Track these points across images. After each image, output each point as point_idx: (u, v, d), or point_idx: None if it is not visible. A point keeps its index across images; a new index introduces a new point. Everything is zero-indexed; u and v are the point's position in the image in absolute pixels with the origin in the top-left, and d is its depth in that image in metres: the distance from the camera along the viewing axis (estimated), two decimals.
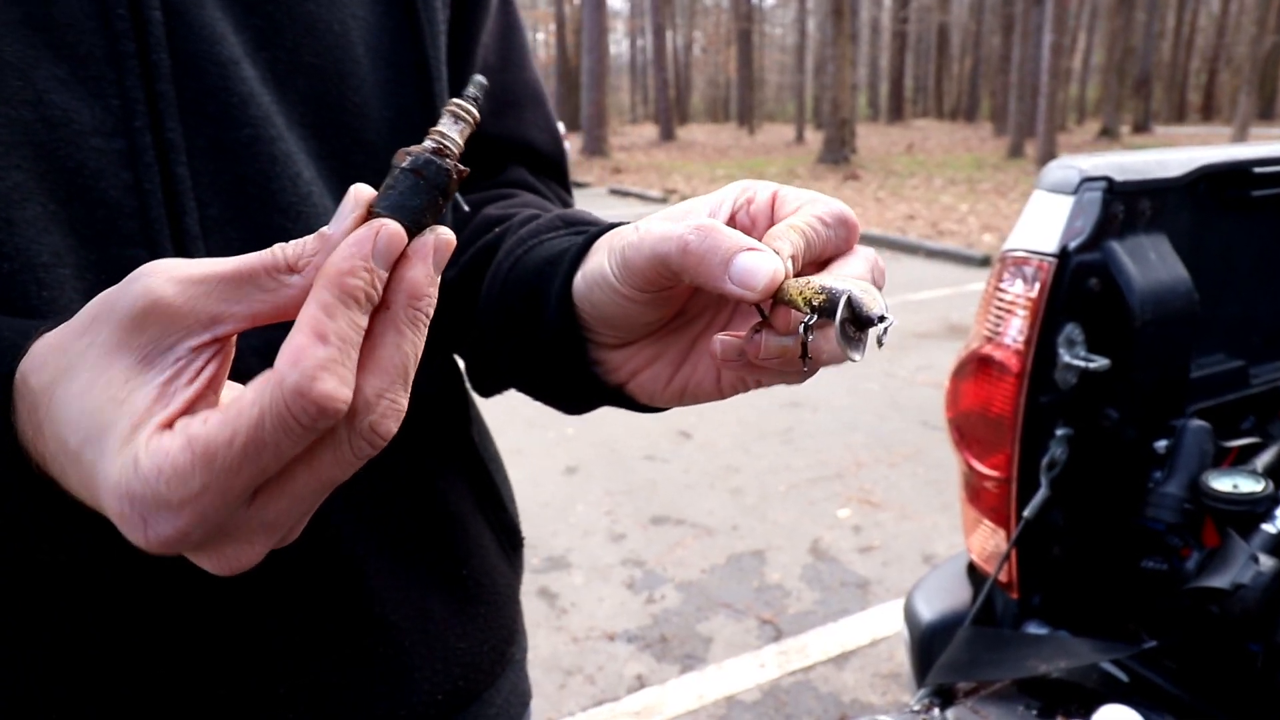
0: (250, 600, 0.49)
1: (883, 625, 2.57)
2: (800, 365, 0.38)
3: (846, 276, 0.37)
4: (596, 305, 0.44)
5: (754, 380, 0.43)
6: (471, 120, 0.34)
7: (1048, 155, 15.10)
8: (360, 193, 0.33)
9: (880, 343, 0.35)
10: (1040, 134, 15.81)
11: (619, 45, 60.39)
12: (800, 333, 0.36)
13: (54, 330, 0.34)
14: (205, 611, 0.48)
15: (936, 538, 3.09)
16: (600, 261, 0.43)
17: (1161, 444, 1.36)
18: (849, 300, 0.34)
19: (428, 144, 0.33)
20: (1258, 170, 1.48)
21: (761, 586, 2.82)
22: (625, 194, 13.87)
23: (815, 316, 0.35)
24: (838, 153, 17.08)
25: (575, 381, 0.49)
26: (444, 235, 0.33)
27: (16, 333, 0.36)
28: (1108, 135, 23.57)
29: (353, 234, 0.31)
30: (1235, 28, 43.44)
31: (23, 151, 0.42)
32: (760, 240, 0.38)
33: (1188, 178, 1.38)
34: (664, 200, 12.84)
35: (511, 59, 0.67)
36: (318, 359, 0.30)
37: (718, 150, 23.61)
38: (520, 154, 0.69)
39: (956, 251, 8.14)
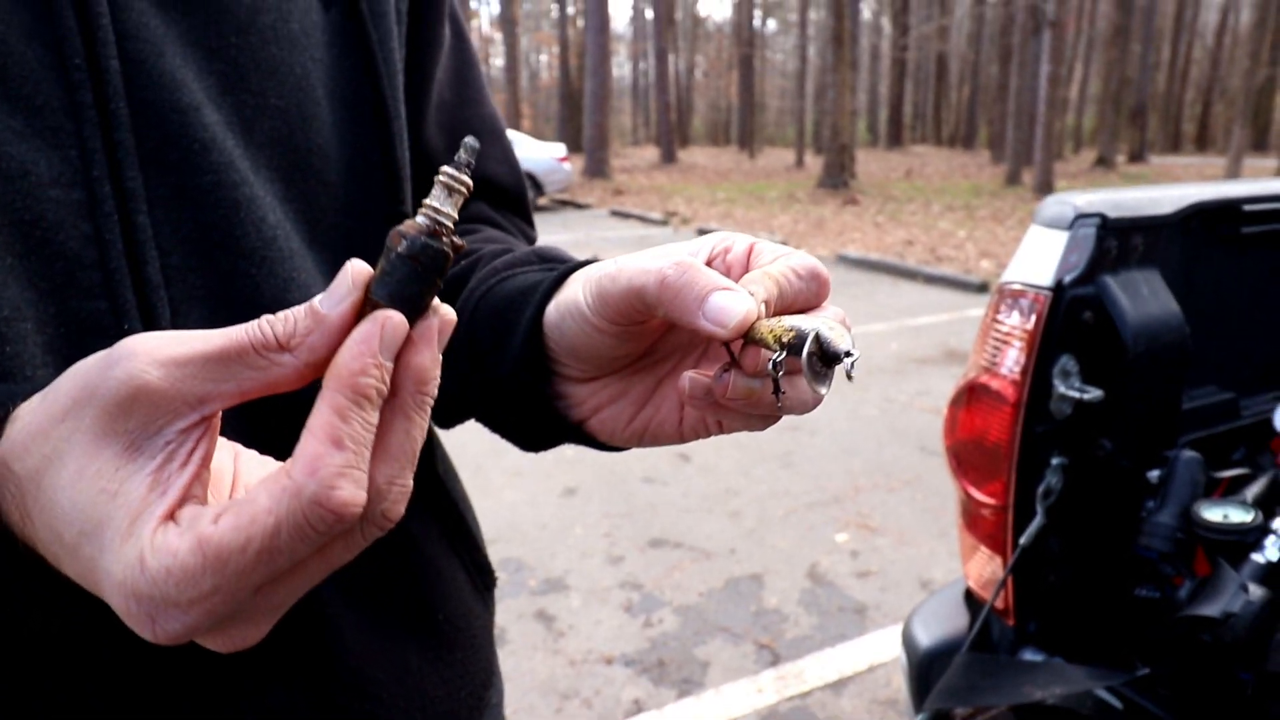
0: (224, 662, 0.48)
1: (880, 651, 2.58)
2: (764, 408, 0.39)
3: (815, 317, 0.38)
4: (566, 335, 0.44)
5: (715, 424, 0.43)
6: (465, 190, 0.33)
7: (1044, 183, 15.24)
8: (357, 274, 0.32)
9: (849, 376, 0.36)
10: (1037, 162, 15.96)
11: (621, 68, 60.91)
12: (770, 370, 0.37)
13: (29, 409, 0.33)
14: (179, 674, 0.47)
15: (934, 564, 3.10)
16: (574, 292, 0.44)
17: (1154, 474, 1.38)
18: (817, 335, 0.36)
19: (421, 221, 0.32)
20: (1247, 208, 1.52)
21: (759, 611, 2.82)
22: (626, 215, 13.95)
23: (784, 353, 0.36)
24: (837, 177, 17.21)
25: (536, 414, 0.48)
26: (446, 316, 0.33)
27: None
28: (1103, 164, 23.74)
29: (359, 330, 0.31)
30: (1229, 60, 43.94)
31: None
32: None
33: (1180, 214, 1.41)
34: (665, 222, 12.91)
35: (467, 95, 0.68)
36: (335, 467, 0.30)
37: (718, 173, 23.77)
38: (480, 189, 0.69)
39: (954, 277, 8.20)
